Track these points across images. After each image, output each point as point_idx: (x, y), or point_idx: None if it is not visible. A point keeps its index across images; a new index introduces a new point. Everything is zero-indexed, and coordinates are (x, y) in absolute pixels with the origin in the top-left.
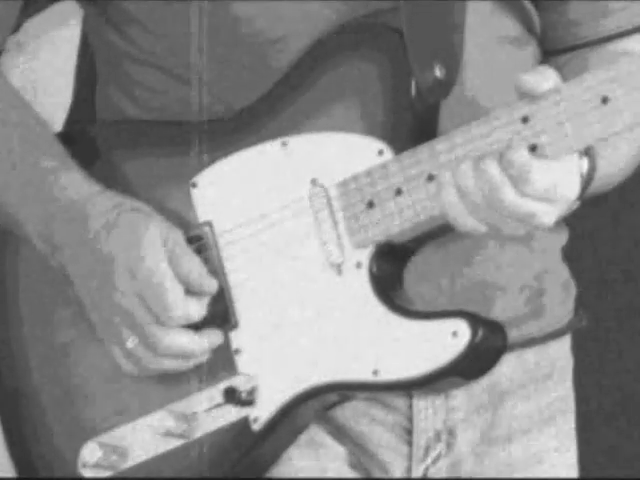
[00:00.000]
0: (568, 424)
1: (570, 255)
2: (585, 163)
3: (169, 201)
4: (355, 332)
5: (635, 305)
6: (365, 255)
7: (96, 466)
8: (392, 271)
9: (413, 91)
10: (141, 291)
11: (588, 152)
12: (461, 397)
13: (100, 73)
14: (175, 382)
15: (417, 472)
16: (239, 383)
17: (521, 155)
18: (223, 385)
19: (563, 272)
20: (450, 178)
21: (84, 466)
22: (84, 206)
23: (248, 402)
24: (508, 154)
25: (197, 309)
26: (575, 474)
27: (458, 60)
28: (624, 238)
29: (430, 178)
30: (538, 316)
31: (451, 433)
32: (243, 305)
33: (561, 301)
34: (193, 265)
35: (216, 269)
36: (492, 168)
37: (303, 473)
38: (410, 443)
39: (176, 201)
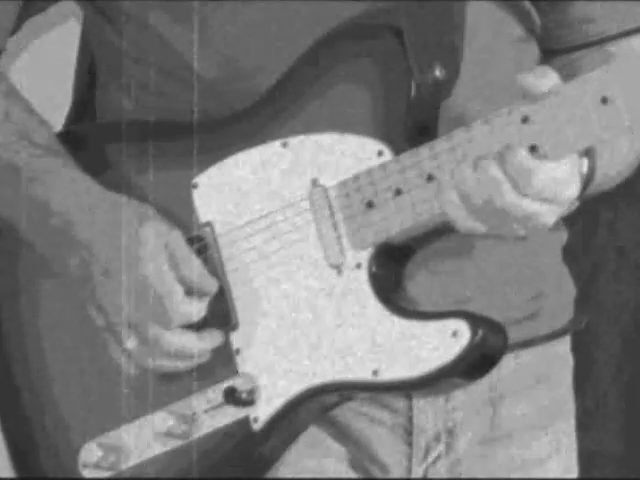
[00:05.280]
0: (568, 424)
1: (570, 255)
2: (585, 163)
3: (169, 201)
4: (355, 332)
5: (635, 305)
6: (365, 255)
7: (96, 466)
8: (392, 271)
9: (413, 91)
10: (142, 291)
11: (588, 152)
12: (461, 398)
13: (100, 73)
14: (175, 382)
15: (417, 472)
16: (239, 383)
17: (521, 155)
18: (223, 385)
19: (563, 272)
20: (450, 179)
21: (84, 466)
22: (83, 207)
23: (248, 402)
24: (508, 154)
25: (197, 309)
26: (575, 474)
27: (458, 60)
28: (624, 238)
29: (430, 178)
30: (538, 316)
31: (451, 434)
32: (243, 305)
33: (560, 301)
34: (194, 265)
35: (217, 269)
36: (492, 168)
37: (303, 473)
38: (410, 443)
39: (177, 201)
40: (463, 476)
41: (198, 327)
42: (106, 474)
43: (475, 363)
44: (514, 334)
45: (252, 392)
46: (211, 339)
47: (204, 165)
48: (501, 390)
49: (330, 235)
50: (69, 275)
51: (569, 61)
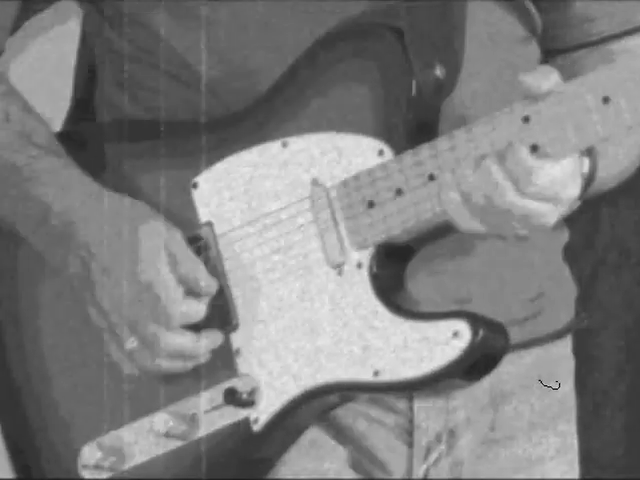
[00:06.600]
0: (569, 425)
1: (571, 255)
2: (586, 163)
3: (170, 201)
4: (356, 333)
5: (636, 305)
6: (366, 255)
7: (96, 467)
8: (393, 271)
9: (414, 91)
10: (141, 291)
11: (589, 152)
12: (462, 398)
13: (100, 73)
14: (175, 383)
15: (418, 473)
16: (239, 384)
17: (522, 155)
18: (223, 386)
19: (563, 272)
20: (451, 178)
21: (84, 467)
22: (83, 207)
23: (248, 403)
24: (509, 154)
25: (197, 310)
26: (576, 474)
27: (458, 60)
28: (625, 238)
29: (431, 178)
30: (539, 317)
31: (452, 434)
32: (243, 306)
33: (562, 302)
34: (193, 265)
35: (216, 269)
36: (493, 168)
37: (304, 474)
38: (411, 444)
39: (177, 201)
40: (464, 477)
41: (198, 328)
42: (106, 475)
43: (476, 364)
44: (515, 334)
45: (252, 393)
46: (211, 339)
47: (204, 165)
48: (502, 390)
49: (331, 235)
50: (68, 275)
51: (570, 61)
